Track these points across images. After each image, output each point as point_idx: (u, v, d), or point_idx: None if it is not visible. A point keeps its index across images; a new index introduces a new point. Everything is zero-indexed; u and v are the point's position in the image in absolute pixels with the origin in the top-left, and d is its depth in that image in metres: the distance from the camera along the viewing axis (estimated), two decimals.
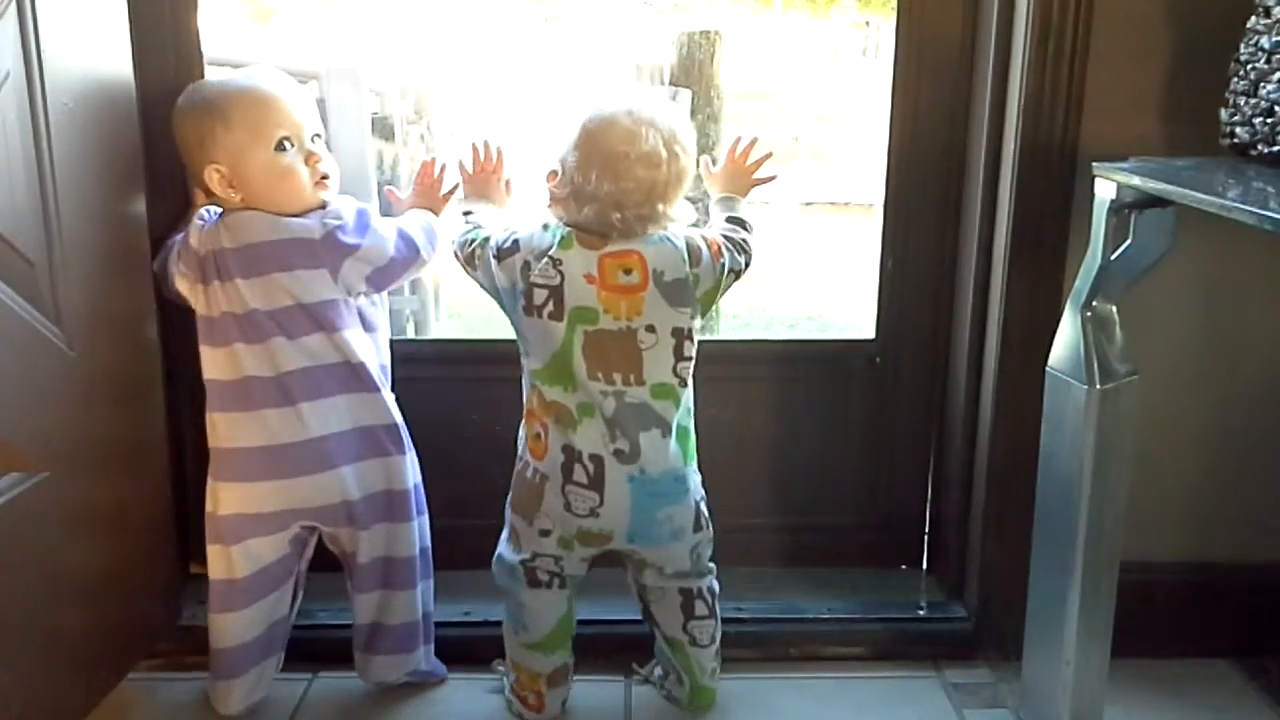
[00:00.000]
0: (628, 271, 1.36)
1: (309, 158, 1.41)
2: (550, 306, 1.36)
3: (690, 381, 1.41)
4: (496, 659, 1.53)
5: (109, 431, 1.38)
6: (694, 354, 1.40)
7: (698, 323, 1.40)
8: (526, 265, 1.37)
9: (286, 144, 1.39)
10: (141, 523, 1.46)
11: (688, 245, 1.38)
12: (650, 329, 1.36)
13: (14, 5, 1.18)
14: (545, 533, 1.41)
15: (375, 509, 1.45)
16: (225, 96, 1.39)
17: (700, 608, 1.47)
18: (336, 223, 1.40)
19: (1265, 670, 1.59)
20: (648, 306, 1.36)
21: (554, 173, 1.39)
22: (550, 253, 1.36)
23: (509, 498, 1.45)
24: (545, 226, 1.39)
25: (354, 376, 1.41)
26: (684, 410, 1.41)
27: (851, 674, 1.59)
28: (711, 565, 1.49)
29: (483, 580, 1.51)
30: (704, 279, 1.39)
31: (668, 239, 1.38)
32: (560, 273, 1.35)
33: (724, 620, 1.57)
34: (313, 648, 1.55)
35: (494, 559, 1.46)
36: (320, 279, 1.39)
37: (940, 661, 1.62)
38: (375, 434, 1.43)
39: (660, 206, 1.37)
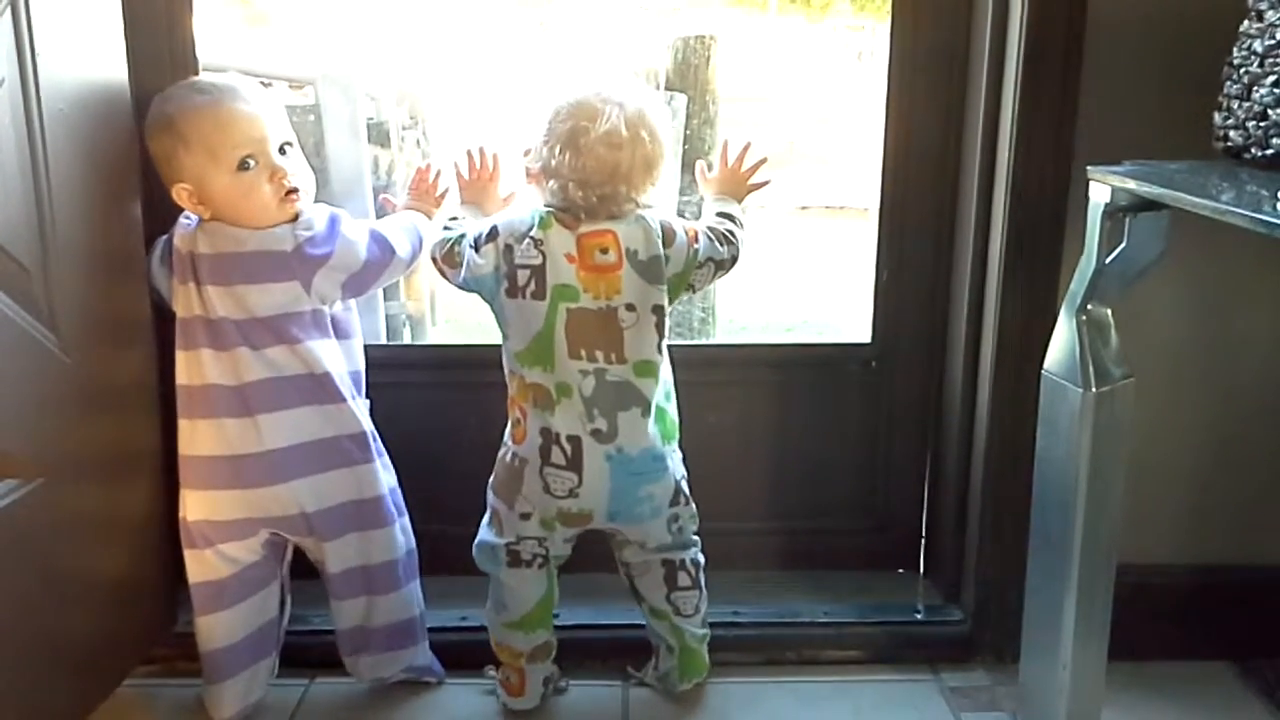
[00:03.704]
0: (604, 251, 1.38)
1: (274, 174, 1.38)
2: (533, 286, 1.37)
3: (667, 360, 1.43)
4: (488, 665, 1.53)
5: (104, 437, 1.38)
6: (667, 331, 1.42)
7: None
8: (509, 248, 1.38)
9: (249, 162, 1.37)
10: (137, 528, 1.46)
11: (662, 225, 1.41)
12: (630, 307, 1.38)
13: (9, 9, 1.17)
14: (525, 516, 1.42)
15: (341, 519, 1.44)
16: (184, 116, 1.37)
17: (683, 579, 1.49)
18: (307, 234, 1.39)
19: (1262, 672, 1.60)
20: (625, 285, 1.38)
21: (528, 149, 1.42)
22: (531, 233, 1.38)
23: (490, 481, 1.47)
24: (525, 210, 1.41)
25: (318, 387, 1.41)
26: (664, 392, 1.42)
27: (849, 677, 1.59)
28: (695, 539, 1.50)
29: (478, 586, 1.51)
30: (674, 260, 1.41)
31: (642, 218, 1.40)
32: (542, 252, 1.37)
33: (721, 624, 1.57)
34: (309, 653, 1.55)
35: (474, 544, 1.48)
36: (292, 291, 1.39)
37: (937, 664, 1.62)
38: (339, 444, 1.43)
39: (623, 189, 1.38)
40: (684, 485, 1.46)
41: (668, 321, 1.42)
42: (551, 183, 1.39)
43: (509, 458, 1.43)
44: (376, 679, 1.53)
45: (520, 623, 1.47)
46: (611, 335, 1.38)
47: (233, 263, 1.38)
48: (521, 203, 1.50)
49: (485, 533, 1.47)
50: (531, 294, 1.38)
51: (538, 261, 1.37)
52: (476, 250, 1.40)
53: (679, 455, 1.46)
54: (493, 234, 1.40)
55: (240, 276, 1.38)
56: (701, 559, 1.51)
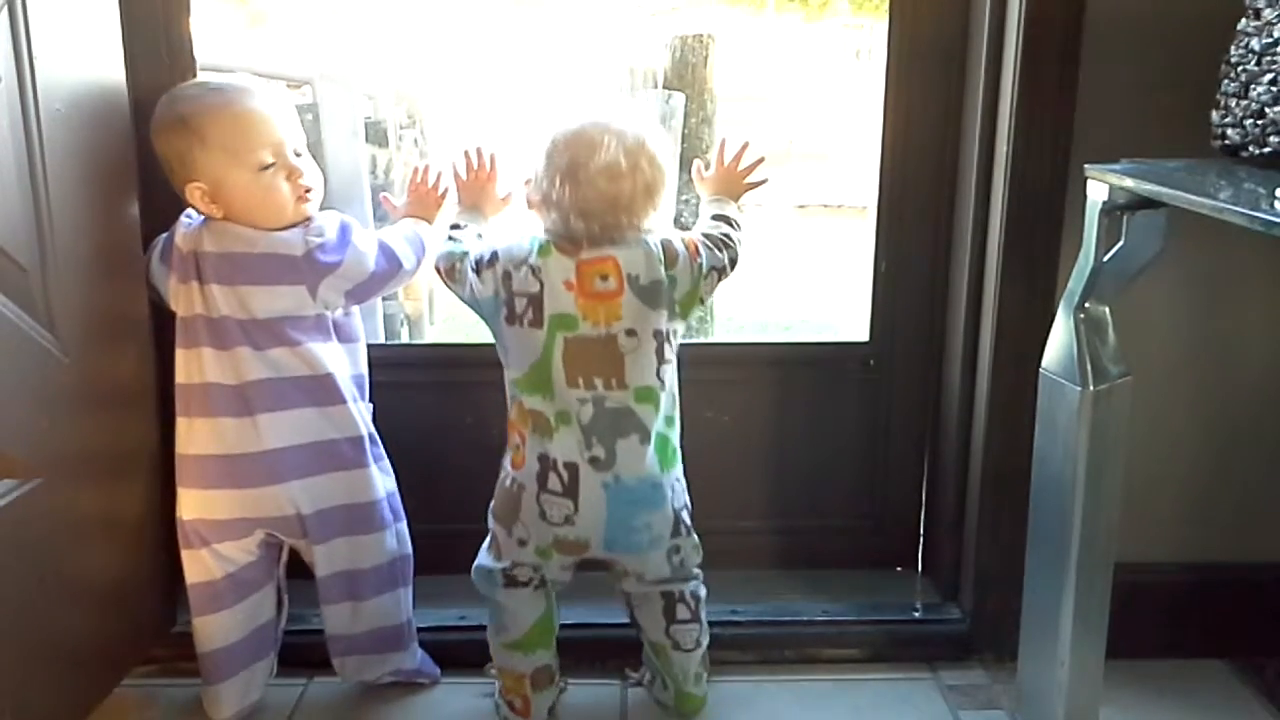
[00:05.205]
0: (604, 278, 1.35)
1: (290, 174, 1.39)
2: (530, 314, 1.36)
3: (671, 387, 1.40)
4: (488, 663, 1.53)
5: (103, 437, 1.38)
6: (673, 357, 1.40)
7: (679, 326, 1.40)
8: (507, 275, 1.37)
9: (268, 163, 1.37)
10: (136, 528, 1.46)
11: (663, 248, 1.38)
12: (630, 333, 1.36)
13: (5, 9, 1.17)
14: (522, 542, 1.41)
15: (331, 523, 1.43)
16: (200, 115, 1.36)
17: (682, 611, 1.46)
18: (318, 240, 1.39)
19: (1260, 670, 1.60)
20: (626, 311, 1.36)
21: (529, 179, 1.40)
22: (529, 261, 1.36)
23: (491, 505, 1.45)
24: (525, 236, 1.39)
25: (319, 389, 1.40)
26: (664, 418, 1.39)
27: (847, 676, 1.59)
28: (697, 572, 1.47)
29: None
30: (681, 280, 1.38)
31: (643, 242, 1.38)
32: (540, 280, 1.35)
33: (719, 623, 1.57)
34: (308, 653, 1.55)
35: (473, 568, 1.46)
36: (297, 294, 1.39)
37: (936, 663, 1.62)
38: (336, 447, 1.42)
39: (624, 218, 1.36)
40: (685, 516, 1.43)
41: (669, 347, 1.39)
42: (553, 213, 1.37)
43: (508, 483, 1.41)
44: (362, 681, 1.53)
45: (519, 643, 1.46)
46: (612, 361, 1.36)
47: (240, 263, 1.38)
48: (522, 223, 1.47)
49: (483, 557, 1.46)
50: (529, 322, 1.36)
51: (535, 289, 1.35)
52: (478, 273, 1.39)
53: (682, 485, 1.43)
54: (493, 259, 1.38)
55: (247, 277, 1.38)
56: (703, 592, 1.48)
